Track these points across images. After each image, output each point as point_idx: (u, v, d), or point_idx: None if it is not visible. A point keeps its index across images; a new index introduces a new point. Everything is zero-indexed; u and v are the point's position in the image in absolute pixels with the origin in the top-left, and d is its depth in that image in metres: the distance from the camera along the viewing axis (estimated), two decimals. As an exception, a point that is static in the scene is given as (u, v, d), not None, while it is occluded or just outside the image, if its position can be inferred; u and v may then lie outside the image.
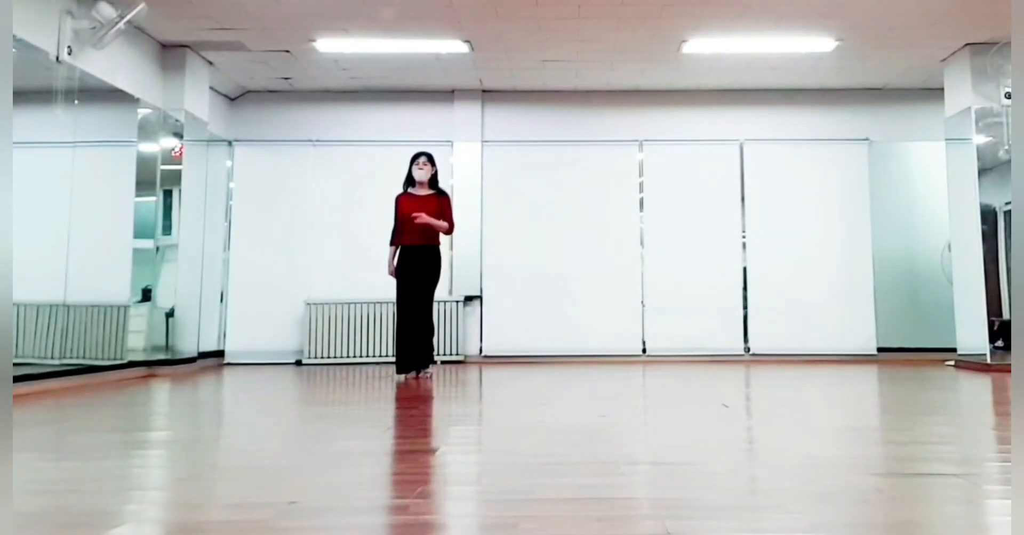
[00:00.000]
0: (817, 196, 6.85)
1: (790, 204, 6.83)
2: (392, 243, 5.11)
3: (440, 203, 5.08)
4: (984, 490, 1.83)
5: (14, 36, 4.09)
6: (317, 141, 6.92)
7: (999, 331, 5.75)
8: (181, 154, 5.78)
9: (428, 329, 5.05)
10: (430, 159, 5.10)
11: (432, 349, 5.11)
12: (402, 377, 4.98)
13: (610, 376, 5.19)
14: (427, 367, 5.08)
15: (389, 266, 5.10)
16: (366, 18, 5.27)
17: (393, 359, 6.54)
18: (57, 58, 4.52)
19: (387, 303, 6.67)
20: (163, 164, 5.67)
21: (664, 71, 6.41)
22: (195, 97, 5.94)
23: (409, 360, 4.97)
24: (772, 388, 4.40)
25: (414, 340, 4.98)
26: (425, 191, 5.09)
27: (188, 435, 2.74)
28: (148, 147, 5.59)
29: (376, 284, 6.73)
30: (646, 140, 6.90)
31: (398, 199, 5.12)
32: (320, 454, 2.31)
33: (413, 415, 3.23)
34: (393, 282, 5.08)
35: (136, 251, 5.41)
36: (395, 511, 1.65)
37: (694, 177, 6.86)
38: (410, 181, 5.12)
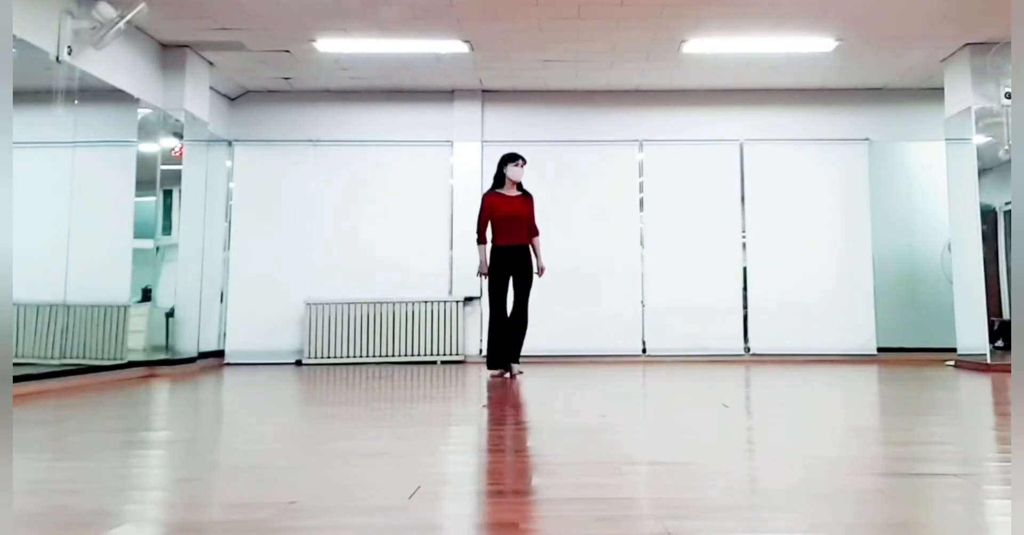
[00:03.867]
0: (817, 196, 6.85)
1: (790, 204, 6.83)
2: (480, 241, 5.14)
3: (528, 204, 5.23)
4: (984, 490, 1.83)
5: (14, 36, 4.09)
6: (317, 141, 6.92)
7: (999, 331, 5.75)
8: (181, 154, 5.78)
9: (525, 327, 5.18)
10: (525, 161, 5.22)
11: (521, 347, 5.19)
12: (498, 371, 5.14)
13: (610, 376, 5.19)
14: (517, 363, 5.15)
15: (483, 266, 5.14)
16: (366, 18, 5.27)
17: (386, 359, 6.58)
18: (57, 58, 4.52)
19: (387, 303, 6.67)
20: (163, 164, 5.67)
21: (664, 71, 6.41)
22: (195, 97, 5.94)
23: (502, 357, 5.11)
24: (772, 388, 4.40)
25: (508, 338, 5.11)
26: (514, 192, 5.20)
27: (188, 435, 2.74)
28: (148, 147, 5.59)
29: (376, 284, 6.76)
30: (646, 140, 6.91)
31: (488, 198, 5.17)
32: (320, 454, 2.31)
33: (413, 415, 3.23)
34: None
35: (136, 251, 5.41)
36: (395, 511, 1.65)
37: (694, 177, 6.86)
38: (499, 181, 5.17)
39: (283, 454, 2.33)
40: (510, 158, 5.19)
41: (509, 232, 5.11)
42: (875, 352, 6.62)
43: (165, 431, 2.85)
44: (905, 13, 5.19)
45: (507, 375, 5.11)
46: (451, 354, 6.62)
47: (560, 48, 5.85)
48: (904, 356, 6.56)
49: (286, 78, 6.61)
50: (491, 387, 4.50)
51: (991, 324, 5.67)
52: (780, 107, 6.95)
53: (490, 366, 5.16)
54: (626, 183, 6.89)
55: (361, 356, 6.61)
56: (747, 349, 6.68)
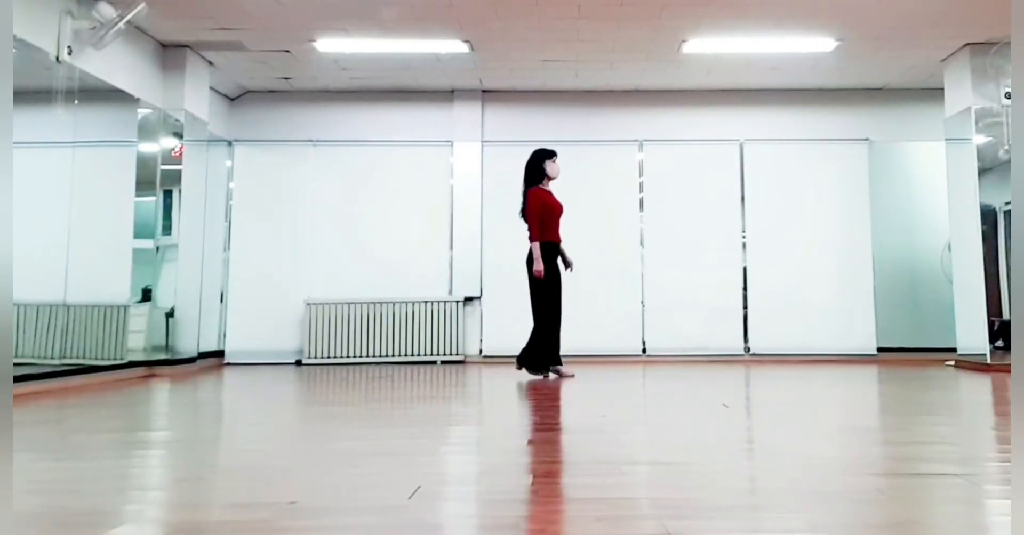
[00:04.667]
0: (817, 196, 6.85)
1: (790, 204, 6.84)
2: (537, 238, 4.93)
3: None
4: (984, 490, 1.83)
5: (14, 36, 4.09)
6: (317, 141, 6.92)
7: (999, 331, 5.75)
8: (181, 154, 5.78)
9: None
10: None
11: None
12: (561, 369, 5.00)
13: (610, 376, 5.18)
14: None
15: (539, 263, 4.88)
16: (366, 18, 5.27)
17: (386, 359, 6.58)
18: (57, 58, 4.52)
19: (387, 303, 6.67)
20: (163, 164, 5.67)
21: (664, 71, 6.41)
22: (195, 97, 5.94)
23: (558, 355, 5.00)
24: (772, 388, 4.40)
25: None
26: (549, 188, 5.10)
27: (188, 435, 2.74)
28: (148, 147, 5.59)
29: (376, 284, 6.76)
30: (646, 140, 6.91)
31: (540, 193, 5.00)
32: (320, 454, 2.31)
33: (413, 415, 3.23)
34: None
35: (136, 251, 5.41)
36: (395, 511, 1.65)
37: (694, 177, 6.86)
38: (538, 177, 5.04)
39: (283, 454, 2.33)
40: (547, 154, 5.07)
41: (557, 228, 5.01)
42: (875, 352, 6.62)
43: (165, 431, 2.85)
44: (905, 13, 5.19)
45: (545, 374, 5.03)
46: (451, 354, 6.62)
47: (560, 48, 5.85)
48: (904, 356, 6.56)
49: (286, 78, 6.61)
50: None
51: (991, 324, 5.67)
52: (780, 107, 6.96)
53: (544, 368, 4.96)
54: (626, 183, 6.89)
55: (361, 356, 6.61)
56: (747, 349, 6.68)
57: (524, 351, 5.03)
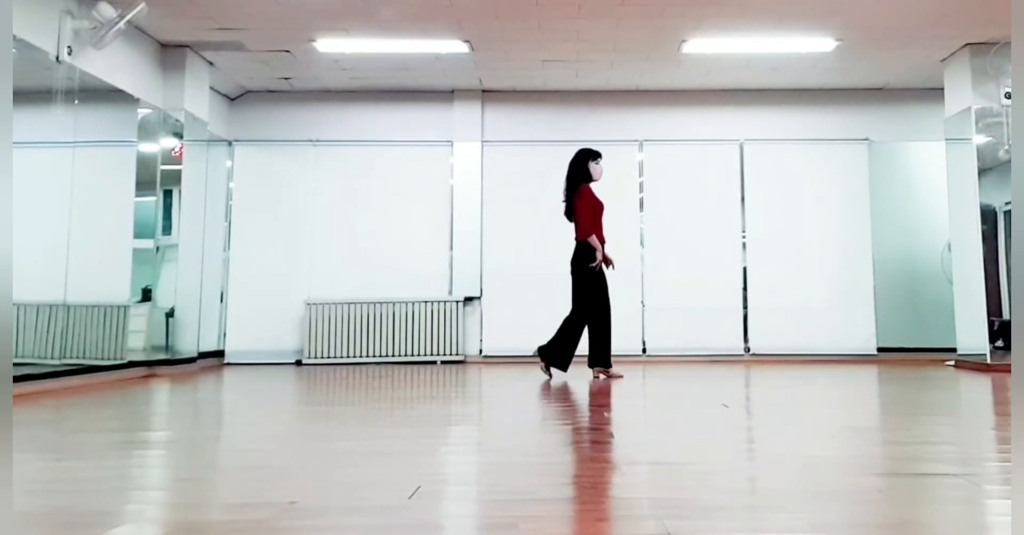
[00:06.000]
0: (817, 196, 6.85)
1: (790, 204, 6.84)
2: (594, 234, 4.93)
3: None
4: (984, 490, 1.83)
5: (14, 36, 4.09)
6: (317, 141, 6.92)
7: (999, 331, 5.74)
8: (181, 154, 5.78)
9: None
10: None
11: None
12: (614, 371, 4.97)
13: (610, 376, 5.18)
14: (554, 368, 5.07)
15: (600, 253, 4.91)
16: (366, 18, 5.27)
17: (386, 359, 6.59)
18: (57, 58, 4.52)
19: (387, 303, 6.68)
20: (163, 164, 5.67)
21: (664, 71, 6.41)
22: (195, 97, 5.94)
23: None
24: (772, 388, 4.40)
25: (577, 339, 4.97)
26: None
27: (188, 435, 2.74)
28: (148, 147, 5.59)
29: (376, 284, 6.76)
30: (646, 140, 6.91)
31: (590, 190, 5.01)
32: (320, 454, 2.31)
33: (413, 415, 3.23)
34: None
35: (136, 251, 5.41)
36: (395, 511, 1.65)
37: (694, 177, 6.86)
38: (585, 177, 5.02)
39: (283, 454, 2.33)
40: (592, 155, 5.05)
41: (602, 227, 4.99)
42: (875, 352, 6.62)
43: (165, 431, 2.85)
44: (905, 13, 5.19)
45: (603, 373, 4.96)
46: (451, 354, 6.62)
47: (560, 48, 5.85)
48: (904, 356, 6.56)
49: (286, 78, 6.61)
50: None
51: (991, 324, 5.67)
52: (780, 107, 6.96)
53: (608, 364, 4.93)
54: (626, 183, 6.88)
55: (361, 356, 6.61)
56: (747, 349, 6.68)
57: (591, 352, 4.94)
